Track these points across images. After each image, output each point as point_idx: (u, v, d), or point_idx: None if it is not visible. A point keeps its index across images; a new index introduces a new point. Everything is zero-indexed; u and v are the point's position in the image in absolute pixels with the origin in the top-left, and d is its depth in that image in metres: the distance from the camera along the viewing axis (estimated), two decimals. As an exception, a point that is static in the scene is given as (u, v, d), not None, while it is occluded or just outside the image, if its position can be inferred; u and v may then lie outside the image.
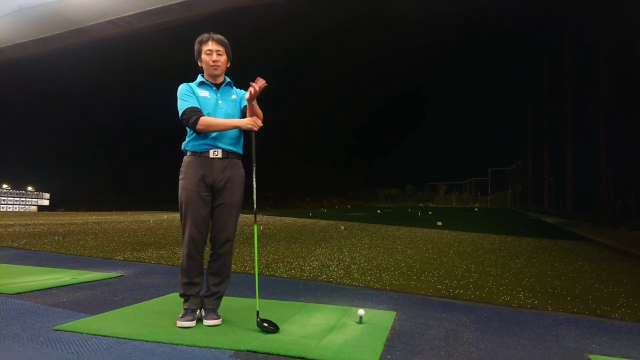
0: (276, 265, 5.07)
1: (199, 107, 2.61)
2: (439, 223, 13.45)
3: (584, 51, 18.31)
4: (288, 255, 6.01)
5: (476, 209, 29.80)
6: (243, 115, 2.74)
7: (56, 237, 9.05)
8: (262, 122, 2.73)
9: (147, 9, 13.12)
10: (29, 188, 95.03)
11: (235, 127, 2.62)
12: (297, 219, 17.73)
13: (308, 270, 4.73)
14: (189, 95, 2.63)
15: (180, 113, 2.61)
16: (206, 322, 2.55)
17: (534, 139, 30.48)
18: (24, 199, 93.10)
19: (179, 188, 2.61)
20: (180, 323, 2.50)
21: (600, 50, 16.04)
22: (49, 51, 16.72)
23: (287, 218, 18.34)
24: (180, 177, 2.62)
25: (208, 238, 2.68)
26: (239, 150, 2.73)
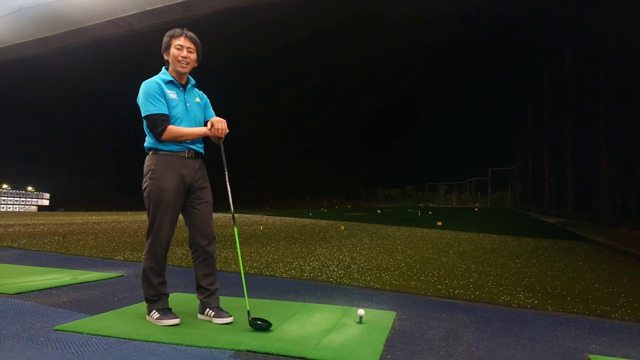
0: (276, 265, 5.07)
1: (167, 112, 2.54)
2: (439, 223, 13.44)
3: (584, 51, 18.31)
4: (288, 255, 6.01)
5: (476, 209, 29.81)
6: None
7: (56, 237, 9.05)
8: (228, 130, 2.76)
9: (147, 9, 13.14)
10: (29, 188, 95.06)
11: (201, 135, 2.61)
12: (297, 219, 17.73)
13: (308, 270, 4.73)
14: (158, 97, 2.53)
15: (145, 114, 2.53)
16: (220, 320, 2.55)
17: (534, 139, 30.47)
18: (24, 199, 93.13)
19: (152, 188, 2.53)
20: (168, 321, 2.49)
21: (600, 49, 16.05)
22: (49, 51, 16.73)
23: (287, 218, 18.34)
24: (153, 176, 2.53)
25: (198, 239, 2.69)
26: (203, 150, 2.76)
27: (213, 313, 2.59)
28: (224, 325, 2.55)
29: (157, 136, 2.52)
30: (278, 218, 18.41)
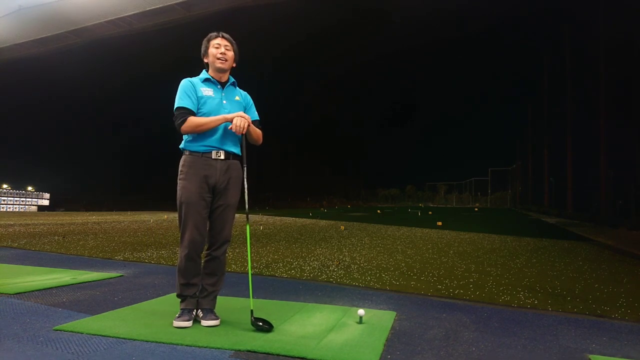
0: (276, 265, 5.07)
1: (192, 108, 2.55)
2: (439, 223, 13.44)
3: (584, 50, 18.31)
4: (288, 255, 6.01)
5: (476, 209, 29.82)
6: None
7: (56, 237, 9.05)
8: (261, 140, 2.76)
9: (147, 9, 13.13)
10: (29, 188, 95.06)
11: (224, 120, 2.56)
12: (297, 219, 17.73)
13: (308, 270, 4.73)
14: (187, 93, 2.57)
15: (174, 109, 2.58)
16: (205, 322, 2.54)
17: (534, 139, 30.48)
18: (24, 199, 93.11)
19: (179, 188, 2.57)
20: (176, 323, 2.49)
21: (600, 49, 16.04)
22: (49, 51, 16.73)
23: (287, 218, 18.34)
24: (181, 177, 2.58)
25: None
26: (239, 151, 2.71)
27: (202, 314, 2.60)
28: (224, 325, 2.54)
29: (178, 128, 2.55)
30: (278, 218, 18.41)
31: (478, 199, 46.74)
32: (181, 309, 2.58)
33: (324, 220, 16.10)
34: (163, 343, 2.22)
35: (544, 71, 26.58)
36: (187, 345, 2.18)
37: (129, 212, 31.53)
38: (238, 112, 2.61)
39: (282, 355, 2.06)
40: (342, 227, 12.07)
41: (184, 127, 2.52)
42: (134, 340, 2.26)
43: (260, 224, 13.83)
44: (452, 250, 6.83)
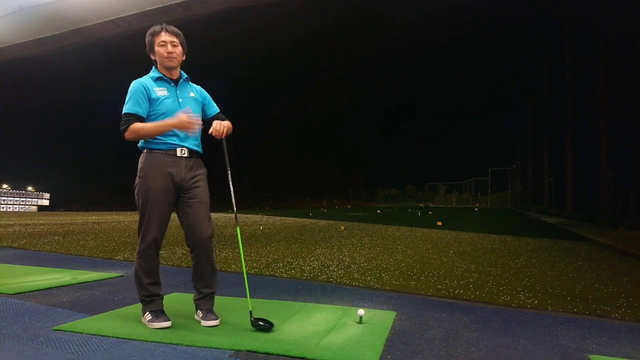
0: (276, 265, 5.07)
1: (142, 114, 2.47)
2: (439, 223, 13.44)
3: (584, 50, 18.32)
4: (288, 255, 6.01)
5: (476, 209, 29.80)
6: (204, 114, 2.73)
7: (56, 237, 9.05)
8: (232, 129, 2.70)
9: (147, 9, 13.11)
10: (29, 188, 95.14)
11: (169, 127, 2.46)
12: (297, 219, 17.73)
13: (308, 270, 4.73)
14: (138, 99, 2.47)
15: (122, 113, 2.49)
16: (205, 323, 2.52)
17: (534, 139, 30.48)
18: (24, 199, 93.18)
19: (141, 186, 2.49)
20: (158, 324, 2.44)
21: (600, 49, 16.05)
22: (48, 51, 16.72)
23: (287, 218, 18.34)
24: (142, 174, 2.49)
25: (191, 239, 2.60)
26: (201, 150, 2.68)
27: (201, 314, 2.58)
28: (224, 325, 2.54)
29: (122, 135, 2.45)
30: (278, 218, 18.41)
31: (478, 199, 46.73)
32: (153, 311, 2.50)
33: (324, 220, 16.10)
34: (163, 343, 2.22)
35: (544, 71, 26.58)
36: (187, 345, 2.18)
37: (129, 212, 31.52)
38: (215, 121, 2.62)
39: (282, 355, 2.06)
40: (342, 227, 12.07)
41: (127, 134, 2.43)
42: (134, 340, 2.26)
43: (260, 224, 13.83)
44: (452, 250, 6.83)
